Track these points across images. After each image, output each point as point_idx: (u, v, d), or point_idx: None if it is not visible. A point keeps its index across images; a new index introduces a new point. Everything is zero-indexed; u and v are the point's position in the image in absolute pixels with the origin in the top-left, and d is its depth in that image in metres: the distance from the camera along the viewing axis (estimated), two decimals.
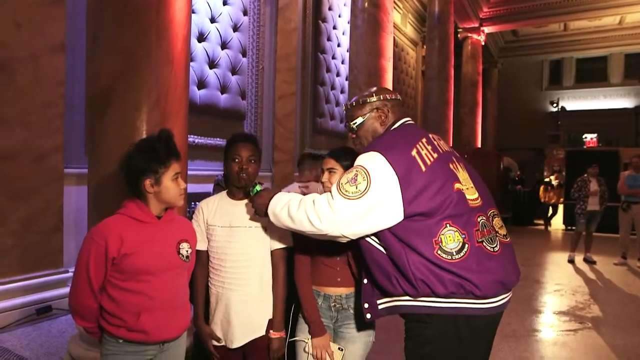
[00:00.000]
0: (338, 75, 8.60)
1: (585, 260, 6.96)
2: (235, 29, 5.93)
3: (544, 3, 11.89)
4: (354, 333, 1.79)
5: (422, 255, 1.39)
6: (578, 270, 6.44)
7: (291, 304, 1.87)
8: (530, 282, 5.54)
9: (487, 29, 12.87)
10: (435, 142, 1.57)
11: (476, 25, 12.45)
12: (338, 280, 1.79)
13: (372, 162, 1.45)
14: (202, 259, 1.87)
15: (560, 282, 5.66)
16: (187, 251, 1.66)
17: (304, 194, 1.71)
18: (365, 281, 1.59)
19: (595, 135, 16.49)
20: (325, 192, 1.70)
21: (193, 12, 5.05)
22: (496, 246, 1.47)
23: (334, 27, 8.35)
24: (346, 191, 1.43)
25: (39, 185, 3.58)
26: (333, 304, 1.80)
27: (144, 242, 1.54)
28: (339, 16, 8.51)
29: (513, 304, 1.52)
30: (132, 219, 1.56)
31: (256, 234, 1.84)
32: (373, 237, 1.49)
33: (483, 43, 12.91)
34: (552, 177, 11.78)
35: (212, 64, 5.57)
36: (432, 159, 1.48)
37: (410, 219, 1.42)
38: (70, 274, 3.57)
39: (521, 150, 16.91)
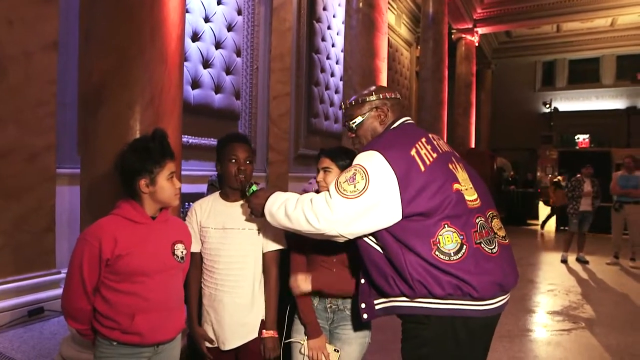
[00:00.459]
0: (332, 75, 8.60)
1: (578, 260, 7.00)
2: (230, 28, 5.90)
3: (537, 4, 11.97)
4: (350, 334, 1.78)
5: (420, 255, 1.38)
6: (571, 270, 6.47)
7: (284, 305, 1.86)
8: (523, 282, 5.56)
9: (480, 30, 12.93)
10: (435, 142, 1.56)
11: (470, 26, 12.50)
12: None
13: (371, 161, 1.44)
14: (195, 261, 1.85)
15: (553, 282, 5.69)
16: (182, 252, 1.64)
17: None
18: (362, 281, 1.58)
19: (588, 136, 16.62)
20: (320, 191, 1.69)
21: (187, 11, 5.02)
22: (494, 248, 1.46)
23: (329, 27, 8.35)
24: (344, 190, 1.42)
25: (31, 184, 3.54)
26: (329, 305, 1.79)
27: (138, 243, 1.52)
28: (334, 16, 8.51)
29: (507, 304, 1.51)
30: (127, 220, 1.54)
31: (250, 236, 1.83)
32: (370, 237, 1.48)
33: (477, 44, 12.97)
34: (560, 178, 11.58)
35: (206, 64, 5.54)
36: (431, 159, 1.47)
37: (409, 219, 1.40)
38: (63, 275, 3.53)
39: (514, 150, 17.00)
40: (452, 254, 1.38)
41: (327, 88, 8.42)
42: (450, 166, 1.52)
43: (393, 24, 11.27)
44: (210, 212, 1.86)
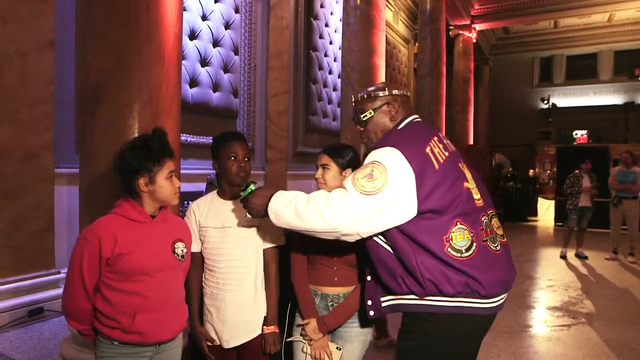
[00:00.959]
0: (330, 73, 8.58)
1: (577, 255, 7.01)
2: (227, 26, 5.89)
3: (535, 0, 11.96)
4: (352, 332, 1.78)
5: (432, 252, 1.38)
6: (570, 266, 6.49)
7: (286, 302, 1.86)
8: (523, 278, 5.57)
9: (478, 27, 12.90)
10: (445, 141, 1.58)
11: (467, 22, 12.48)
12: (335, 279, 1.78)
13: (390, 157, 1.42)
14: (195, 261, 1.85)
15: (553, 278, 5.70)
16: (182, 251, 1.63)
17: None
18: (368, 278, 1.57)
19: (586, 131, 16.61)
20: (319, 188, 1.68)
21: (184, 9, 5.00)
22: (497, 246, 1.48)
23: (326, 25, 8.32)
24: (363, 186, 1.39)
25: (28, 184, 3.53)
26: (330, 303, 1.79)
27: (138, 241, 1.51)
28: (331, 14, 8.48)
29: (506, 300, 1.53)
30: (126, 219, 1.53)
31: (249, 234, 1.82)
32: (380, 236, 1.47)
33: (474, 40, 12.95)
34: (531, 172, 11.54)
35: (204, 62, 5.52)
36: (444, 157, 1.48)
37: (422, 216, 1.40)
38: (63, 275, 3.53)
39: (513, 147, 16.98)
40: (464, 251, 1.38)
41: (325, 85, 8.40)
42: (460, 165, 1.53)
43: (391, 21, 11.25)
44: (209, 212, 1.86)
